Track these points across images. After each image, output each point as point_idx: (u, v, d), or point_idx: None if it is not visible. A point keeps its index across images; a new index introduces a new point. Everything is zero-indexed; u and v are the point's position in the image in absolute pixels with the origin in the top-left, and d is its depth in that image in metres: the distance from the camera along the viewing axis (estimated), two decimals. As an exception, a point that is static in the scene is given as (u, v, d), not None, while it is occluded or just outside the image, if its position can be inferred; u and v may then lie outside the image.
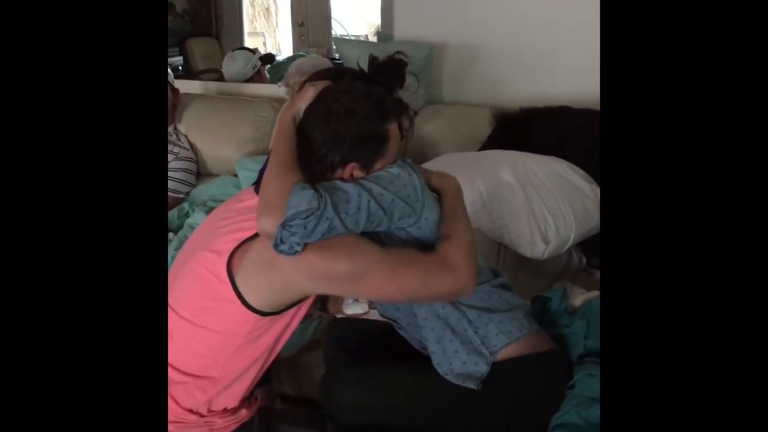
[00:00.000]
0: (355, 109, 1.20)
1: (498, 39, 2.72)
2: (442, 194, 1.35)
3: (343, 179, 1.22)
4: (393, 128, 1.24)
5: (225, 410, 1.28)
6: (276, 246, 1.12)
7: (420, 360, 1.39)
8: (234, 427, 1.28)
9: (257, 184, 1.27)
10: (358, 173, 1.23)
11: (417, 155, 2.75)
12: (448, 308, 1.35)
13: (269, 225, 1.14)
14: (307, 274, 1.17)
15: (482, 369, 1.32)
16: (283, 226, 1.11)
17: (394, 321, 1.44)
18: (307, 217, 1.11)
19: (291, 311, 1.26)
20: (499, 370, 1.33)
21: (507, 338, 1.34)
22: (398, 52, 1.30)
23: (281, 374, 1.99)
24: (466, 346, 1.33)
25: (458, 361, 1.33)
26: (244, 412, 1.30)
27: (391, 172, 1.24)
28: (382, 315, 1.46)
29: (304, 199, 1.12)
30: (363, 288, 1.23)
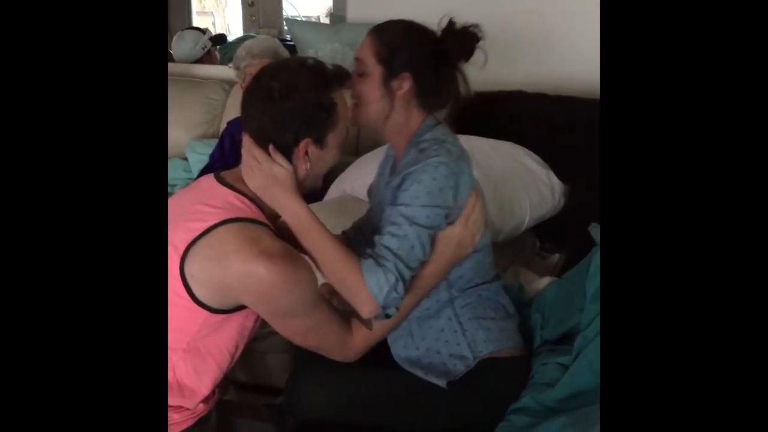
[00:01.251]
0: (297, 83, 1.17)
1: (452, 22, 2.71)
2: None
3: (299, 160, 1.21)
4: (339, 96, 1.22)
5: (181, 406, 1.24)
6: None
7: (388, 359, 1.39)
8: (191, 422, 1.25)
9: (208, 171, 1.24)
10: (312, 149, 1.21)
11: (370, 141, 2.74)
12: (442, 307, 1.36)
13: (372, 313, 1.21)
14: (248, 287, 1.14)
15: (459, 369, 1.33)
16: (384, 309, 1.20)
17: None
18: (392, 291, 1.19)
19: (244, 312, 1.22)
20: (470, 371, 1.34)
21: (493, 347, 1.35)
22: (475, 25, 1.30)
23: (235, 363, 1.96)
24: (451, 348, 1.34)
25: (438, 360, 1.34)
26: (201, 406, 1.26)
27: (440, 183, 1.24)
28: None
29: (382, 281, 1.18)
30: (285, 325, 1.23)
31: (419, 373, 1.35)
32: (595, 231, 1.51)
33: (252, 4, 3.67)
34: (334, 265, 1.21)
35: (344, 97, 1.24)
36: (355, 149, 2.82)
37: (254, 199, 1.21)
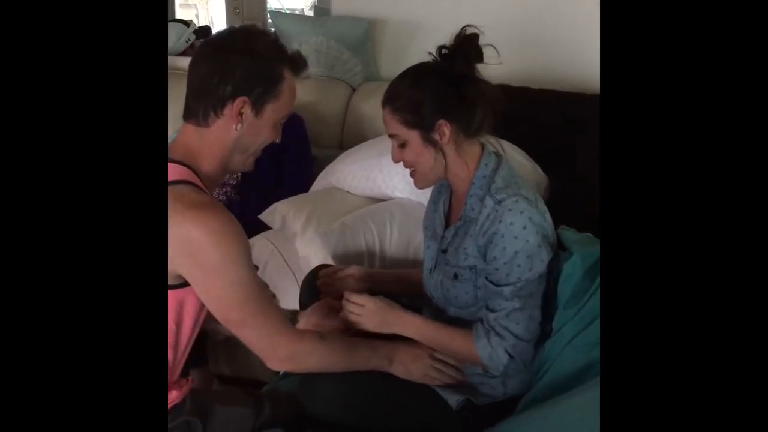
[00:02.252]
0: (252, 44, 1.17)
1: (437, 15, 2.71)
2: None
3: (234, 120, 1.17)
4: (289, 76, 1.20)
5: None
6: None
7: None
8: (164, 410, 1.24)
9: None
10: (248, 111, 1.18)
11: (355, 134, 2.74)
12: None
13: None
14: (178, 246, 1.09)
15: (486, 399, 1.36)
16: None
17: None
18: (509, 366, 1.29)
19: (185, 289, 1.18)
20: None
21: (520, 389, 1.37)
22: (468, 26, 1.28)
23: (218, 356, 1.96)
24: (491, 377, 1.37)
25: (477, 379, 1.38)
26: (174, 393, 1.24)
27: (533, 240, 1.24)
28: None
29: (497, 362, 1.28)
30: (219, 299, 1.16)
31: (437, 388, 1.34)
32: (563, 235, 1.44)
33: (236, -3, 3.64)
34: (461, 348, 1.32)
35: (293, 83, 1.23)
36: (339, 143, 2.82)
37: (188, 165, 1.19)
